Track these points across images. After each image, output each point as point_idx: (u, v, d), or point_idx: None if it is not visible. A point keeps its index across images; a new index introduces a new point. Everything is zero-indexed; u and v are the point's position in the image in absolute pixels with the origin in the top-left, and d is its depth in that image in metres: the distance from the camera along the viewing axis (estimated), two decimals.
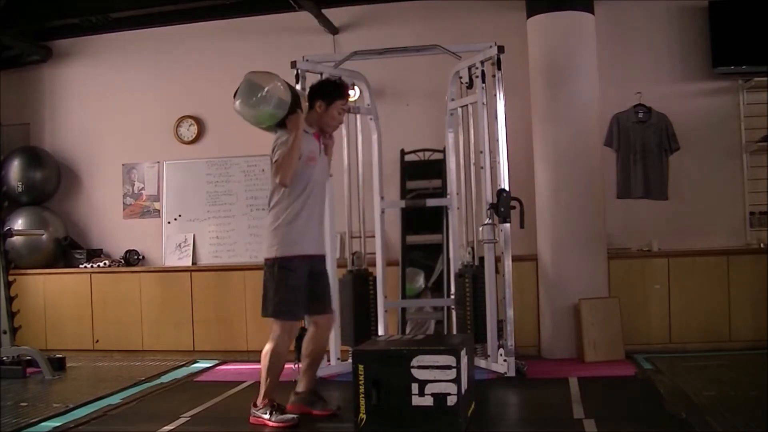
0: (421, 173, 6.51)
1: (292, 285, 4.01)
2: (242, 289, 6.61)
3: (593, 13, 5.96)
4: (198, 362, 6.25)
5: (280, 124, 4.06)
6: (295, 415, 4.04)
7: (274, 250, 4.03)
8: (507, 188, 5.13)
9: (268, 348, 4.06)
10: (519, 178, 5.68)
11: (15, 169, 7.17)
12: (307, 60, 5.43)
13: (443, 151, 6.10)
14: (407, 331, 6.14)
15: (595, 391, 4.63)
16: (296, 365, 5.10)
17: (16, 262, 6.64)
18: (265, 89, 3.97)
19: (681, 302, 5.98)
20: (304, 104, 4.18)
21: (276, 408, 4.04)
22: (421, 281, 6.23)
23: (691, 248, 6.12)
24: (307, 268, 4.07)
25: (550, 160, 5.92)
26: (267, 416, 4.01)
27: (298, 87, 4.99)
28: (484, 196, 5.29)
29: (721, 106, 6.33)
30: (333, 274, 5.42)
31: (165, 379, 5.55)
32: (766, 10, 5.99)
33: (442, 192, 6.15)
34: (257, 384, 4.74)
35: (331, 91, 4.22)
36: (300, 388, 4.24)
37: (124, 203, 7.36)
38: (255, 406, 4.09)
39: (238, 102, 4.03)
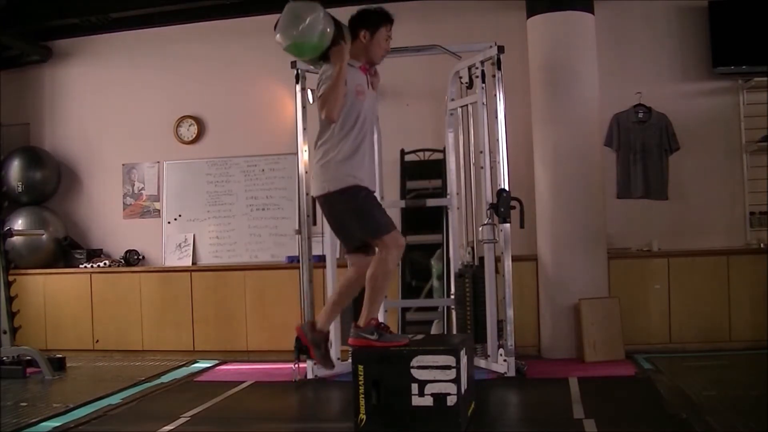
0: (421, 173, 6.51)
1: (370, 202, 3.86)
2: (242, 289, 6.61)
3: (593, 13, 5.96)
4: (198, 362, 6.25)
5: (324, 57, 3.89)
6: (407, 336, 3.95)
7: (330, 184, 3.83)
8: (507, 188, 5.13)
9: (375, 268, 3.83)
10: (519, 178, 5.69)
11: (15, 169, 7.17)
12: None
13: (443, 151, 6.10)
14: (432, 330, 6.10)
15: (595, 391, 4.63)
16: (296, 365, 5.12)
17: (16, 262, 6.63)
18: (307, 19, 3.79)
19: (681, 302, 5.98)
20: (348, 37, 3.98)
21: (383, 329, 3.89)
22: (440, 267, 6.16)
23: (691, 248, 6.12)
24: (370, 194, 3.89)
25: (550, 160, 5.92)
26: (374, 337, 3.83)
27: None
28: (484, 196, 5.29)
29: (721, 106, 6.33)
30: (333, 275, 5.43)
31: (165, 379, 5.55)
32: (766, 10, 5.99)
33: (442, 192, 6.15)
34: (257, 384, 4.75)
35: (375, 17, 4.04)
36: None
37: (124, 203, 7.36)
38: (358, 327, 3.90)
39: (279, 34, 3.86)
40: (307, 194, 5.43)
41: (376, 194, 5.47)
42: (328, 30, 3.83)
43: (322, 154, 3.89)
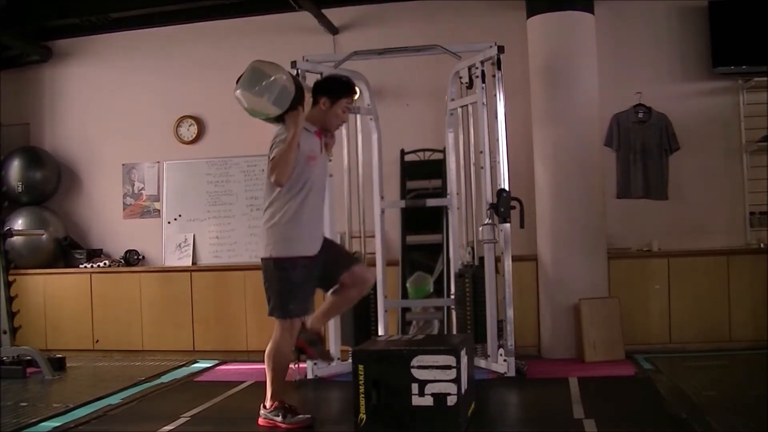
0: (421, 173, 6.51)
1: (288, 284, 3.91)
2: (242, 289, 6.61)
3: (593, 13, 5.96)
4: (198, 362, 6.25)
5: (280, 119, 3.94)
6: (308, 416, 4.00)
7: (270, 249, 3.94)
8: (507, 188, 5.13)
9: (270, 348, 4.00)
10: (519, 178, 5.69)
11: (15, 169, 7.17)
12: (307, 60, 5.44)
13: (443, 151, 6.10)
14: (410, 331, 6.12)
15: (595, 391, 4.63)
16: (296, 365, 5.12)
17: (16, 262, 6.63)
18: (270, 79, 3.84)
19: (681, 302, 5.98)
20: (308, 98, 4.05)
21: (288, 409, 3.98)
22: (430, 286, 6.16)
23: (691, 248, 6.12)
24: (304, 267, 3.95)
25: (550, 160, 5.92)
26: (279, 418, 3.96)
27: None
28: (484, 196, 5.29)
29: (721, 106, 6.33)
30: None
31: (165, 379, 5.55)
32: (766, 10, 5.99)
33: (442, 192, 6.15)
34: (258, 383, 4.75)
35: (337, 88, 4.10)
36: (309, 323, 4.13)
37: (124, 203, 7.36)
38: (264, 407, 4.03)
39: (239, 89, 3.90)
40: None
41: (377, 198, 5.54)
42: (288, 92, 3.87)
43: (269, 216, 3.96)
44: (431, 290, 6.15)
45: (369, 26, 6.81)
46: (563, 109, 5.86)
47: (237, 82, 3.92)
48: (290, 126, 3.88)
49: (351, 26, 6.86)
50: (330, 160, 4.34)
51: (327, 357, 4.30)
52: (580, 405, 4.24)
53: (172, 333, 6.70)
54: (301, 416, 3.99)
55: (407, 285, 6.18)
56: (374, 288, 5.58)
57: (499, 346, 5.19)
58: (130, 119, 7.32)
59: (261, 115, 3.97)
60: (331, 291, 4.16)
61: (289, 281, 3.92)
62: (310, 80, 5.51)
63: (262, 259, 4.01)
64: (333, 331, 5.47)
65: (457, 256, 5.71)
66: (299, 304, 3.97)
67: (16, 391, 5.14)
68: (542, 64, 5.93)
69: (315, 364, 5.29)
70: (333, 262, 4.08)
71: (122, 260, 7.10)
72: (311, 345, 4.13)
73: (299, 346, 4.11)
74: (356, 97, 4.16)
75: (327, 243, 4.16)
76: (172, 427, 4.05)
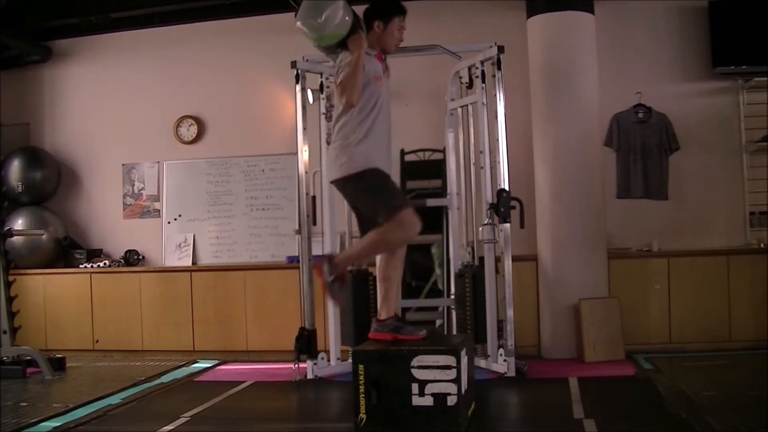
0: (421, 173, 6.50)
1: (380, 184, 3.90)
2: (242, 289, 6.61)
3: (593, 13, 5.96)
4: (198, 362, 6.25)
5: (341, 45, 3.96)
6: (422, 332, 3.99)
7: (345, 167, 3.91)
8: (507, 188, 5.13)
9: (374, 235, 3.90)
10: (519, 178, 5.68)
11: (15, 169, 7.17)
12: (307, 60, 5.44)
13: (443, 151, 6.10)
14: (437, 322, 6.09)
15: (595, 391, 4.63)
16: (296, 365, 5.12)
17: (16, 262, 6.63)
18: (328, 8, 3.86)
19: (681, 302, 5.98)
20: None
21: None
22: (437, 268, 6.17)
23: (691, 248, 6.12)
24: (385, 174, 3.94)
25: (550, 160, 5.92)
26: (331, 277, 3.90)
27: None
28: (484, 196, 5.29)
29: (721, 106, 6.33)
30: None
31: (165, 379, 5.55)
32: (766, 10, 5.99)
33: (442, 192, 6.14)
34: (257, 384, 4.76)
35: (388, 8, 4.12)
36: (382, 315, 4.07)
37: (124, 203, 7.36)
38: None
39: (299, 21, 3.94)
40: (306, 194, 5.43)
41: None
42: (347, 19, 3.91)
43: (342, 137, 3.97)
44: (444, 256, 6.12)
45: None
46: (563, 109, 5.86)
47: (295, 15, 3.96)
48: (354, 49, 3.90)
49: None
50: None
51: (415, 331, 4.05)
52: (580, 405, 4.25)
53: (172, 333, 6.70)
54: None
55: (432, 250, 6.14)
56: (374, 288, 5.59)
57: (499, 346, 5.19)
58: (130, 119, 7.32)
59: (327, 40, 3.99)
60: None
61: (381, 181, 3.91)
62: (310, 80, 5.55)
63: (338, 179, 3.97)
64: (333, 331, 5.47)
65: (457, 256, 5.71)
66: (400, 196, 4.01)
67: (16, 391, 5.14)
68: (542, 64, 5.93)
69: (315, 363, 5.29)
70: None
71: (122, 260, 7.10)
72: (396, 331, 4.02)
73: (388, 339, 4.01)
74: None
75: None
76: (172, 427, 4.05)
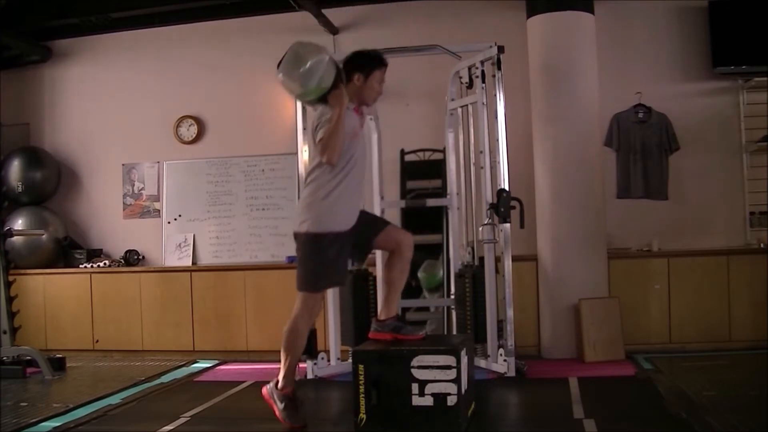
0: (421, 173, 6.51)
1: (322, 260, 3.91)
2: (242, 289, 6.61)
3: (593, 13, 5.96)
4: (198, 362, 6.25)
5: (322, 99, 3.95)
6: (303, 423, 3.97)
7: (306, 224, 3.92)
8: (507, 188, 5.13)
9: (288, 326, 3.98)
10: (519, 178, 5.69)
11: (15, 169, 7.16)
12: None
13: (443, 151, 6.10)
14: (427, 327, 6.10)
15: (595, 391, 4.63)
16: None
17: (16, 262, 6.63)
18: (311, 61, 3.84)
19: (681, 302, 5.98)
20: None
21: (291, 402, 3.96)
22: (440, 273, 6.15)
23: (691, 248, 6.12)
24: (339, 242, 3.93)
25: (550, 160, 5.92)
26: (280, 405, 3.96)
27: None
28: (484, 196, 5.29)
29: (721, 106, 6.33)
30: None
31: (165, 379, 5.55)
32: (766, 10, 5.99)
33: (442, 192, 6.15)
34: (257, 384, 4.76)
35: (368, 61, 4.09)
36: (382, 315, 4.09)
37: (124, 203, 7.36)
38: (276, 385, 4.01)
39: (282, 74, 3.92)
40: None
41: (377, 198, 5.53)
42: (331, 73, 3.89)
43: (310, 191, 3.97)
44: (442, 277, 6.12)
45: (369, 26, 6.81)
46: (563, 109, 5.86)
47: (278, 66, 3.94)
48: (335, 104, 3.88)
49: (351, 26, 6.86)
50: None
51: (414, 331, 4.10)
52: (580, 405, 4.24)
53: (172, 333, 6.70)
54: (298, 417, 3.97)
55: (419, 274, 6.15)
56: (374, 288, 5.60)
57: (499, 346, 5.19)
58: (130, 119, 7.32)
59: (304, 96, 4.00)
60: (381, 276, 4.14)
61: (324, 256, 3.91)
62: None
63: (296, 234, 3.99)
64: (333, 331, 5.47)
65: (457, 256, 5.71)
66: (330, 279, 4.02)
67: (16, 391, 5.14)
68: (542, 64, 5.93)
69: (315, 363, 5.29)
70: (364, 228, 4.06)
71: (122, 260, 7.10)
72: (397, 331, 4.03)
73: (388, 339, 4.03)
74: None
75: (360, 217, 4.13)
76: (172, 427, 4.05)
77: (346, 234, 3.97)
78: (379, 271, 5.62)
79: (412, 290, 6.31)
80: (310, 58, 3.86)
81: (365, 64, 4.08)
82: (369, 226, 4.12)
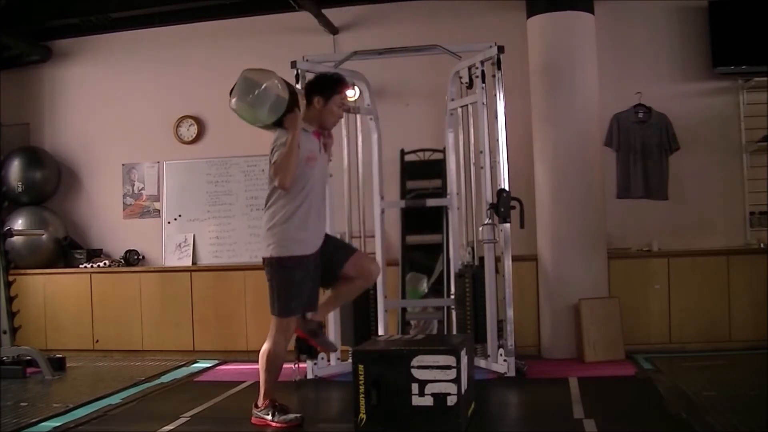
0: (421, 173, 6.51)
1: (289, 283, 3.94)
2: (242, 289, 6.61)
3: (593, 13, 5.96)
4: (198, 362, 6.25)
5: (278, 123, 3.94)
6: (297, 415, 4.02)
7: (270, 249, 3.96)
8: (507, 188, 5.13)
9: (264, 348, 4.03)
10: (519, 178, 5.69)
11: (15, 169, 7.17)
12: (307, 60, 5.44)
13: (443, 151, 6.10)
14: (410, 331, 6.13)
15: (595, 391, 4.63)
16: (296, 365, 5.12)
17: (16, 262, 6.63)
18: (262, 87, 3.86)
19: (681, 302, 5.98)
20: (302, 102, 4.07)
21: (278, 408, 4.01)
22: (424, 285, 6.20)
23: (691, 248, 6.12)
24: (305, 265, 3.97)
25: (550, 160, 5.92)
26: (270, 417, 4.00)
27: (297, 86, 4.93)
28: (484, 196, 5.29)
29: (721, 106, 6.33)
30: None
31: (165, 379, 5.55)
32: (766, 10, 5.99)
33: (442, 192, 6.15)
34: (257, 384, 4.75)
35: (328, 85, 4.09)
36: (312, 316, 4.15)
37: (124, 203, 7.36)
38: (256, 407, 4.07)
39: (234, 100, 3.92)
40: None
41: (377, 198, 5.53)
42: (282, 98, 3.89)
43: (269, 217, 3.99)
44: (426, 290, 6.17)
45: (369, 26, 6.81)
46: (563, 109, 5.86)
47: (230, 93, 3.95)
48: (289, 129, 3.89)
49: (351, 26, 6.86)
50: (330, 160, 4.33)
51: (329, 346, 4.35)
52: (580, 405, 4.24)
53: (172, 333, 6.70)
54: (291, 416, 4.00)
55: (407, 287, 6.19)
56: (374, 288, 5.60)
57: (499, 346, 5.19)
58: (130, 119, 7.32)
59: (259, 122, 4.01)
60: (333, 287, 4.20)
61: (291, 280, 3.94)
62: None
63: (263, 258, 4.03)
64: (333, 331, 5.47)
65: (457, 256, 5.71)
66: (301, 302, 4.01)
67: (16, 391, 5.14)
68: (542, 64, 5.93)
69: (315, 363, 5.29)
70: (332, 253, 4.10)
71: (122, 260, 7.10)
72: (313, 335, 4.16)
73: (301, 337, 4.15)
74: (351, 92, 4.15)
75: (326, 238, 4.16)
76: (172, 427, 4.05)
77: (312, 257, 4.00)
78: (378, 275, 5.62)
79: None
80: (261, 83, 3.88)
81: (325, 87, 4.08)
82: (338, 251, 4.14)
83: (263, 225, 4.04)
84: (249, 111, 3.94)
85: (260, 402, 4.06)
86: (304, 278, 3.97)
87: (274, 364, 4.03)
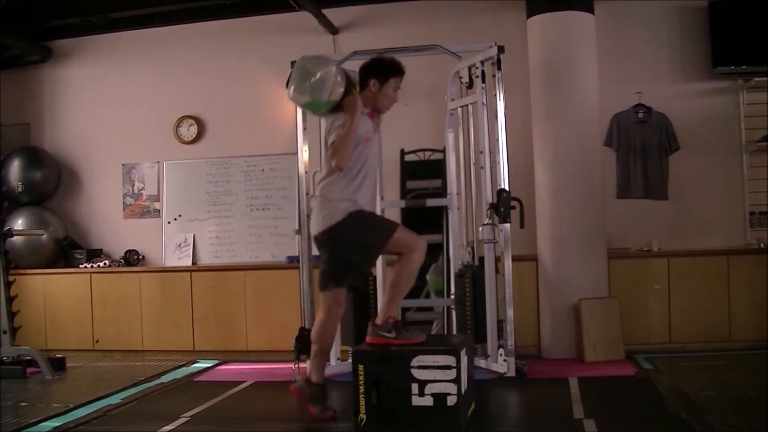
0: (421, 173, 6.51)
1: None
2: (242, 289, 6.61)
3: (593, 13, 5.96)
4: (198, 362, 6.25)
5: (335, 109, 3.98)
6: (331, 414, 4.03)
7: (327, 221, 3.97)
8: (507, 188, 5.13)
9: (400, 268, 4.01)
10: (519, 178, 5.69)
11: (15, 169, 7.17)
12: None
13: (443, 151, 6.10)
14: (433, 330, 6.09)
15: (595, 391, 4.63)
16: (296, 365, 5.11)
17: (16, 262, 6.63)
18: (317, 75, 3.88)
19: (681, 302, 5.98)
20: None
21: (400, 326, 3.96)
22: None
23: (691, 248, 6.12)
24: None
25: (550, 160, 5.92)
26: (391, 335, 3.92)
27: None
28: (484, 196, 5.29)
29: (721, 106, 6.33)
30: None
31: (165, 379, 5.55)
32: (766, 10, 5.99)
33: (442, 192, 6.15)
34: (257, 384, 4.76)
35: (385, 69, 4.12)
36: (379, 320, 4.04)
37: (124, 203, 7.36)
38: (375, 325, 3.99)
39: (291, 89, 3.94)
40: (307, 194, 5.43)
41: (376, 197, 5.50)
42: (339, 84, 3.92)
43: (326, 195, 4.01)
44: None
45: (369, 26, 6.81)
46: (563, 109, 5.86)
47: (287, 84, 3.97)
48: (348, 112, 3.92)
49: (351, 26, 6.86)
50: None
51: (329, 411, 4.13)
52: (580, 405, 4.25)
53: (172, 333, 6.70)
54: (414, 332, 3.99)
55: (427, 277, 6.14)
56: (374, 288, 5.60)
57: (499, 346, 5.19)
58: (130, 119, 7.32)
59: (317, 109, 4.04)
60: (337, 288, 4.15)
61: (367, 217, 3.99)
62: None
63: (316, 236, 4.05)
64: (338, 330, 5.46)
65: (457, 256, 5.71)
66: (353, 274, 4.04)
67: (16, 391, 5.14)
68: (542, 64, 5.93)
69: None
70: (374, 229, 4.09)
71: (122, 260, 7.10)
72: (315, 401, 4.11)
73: (302, 403, 4.15)
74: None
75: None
76: (172, 427, 4.05)
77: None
78: (379, 273, 5.63)
79: (412, 290, 6.30)
80: (317, 71, 3.90)
81: (382, 71, 4.11)
82: (375, 232, 4.11)
83: (318, 201, 4.05)
84: (307, 100, 3.97)
85: (380, 320, 3.99)
86: (354, 250, 3.99)
87: (408, 282, 4.03)
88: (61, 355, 6.07)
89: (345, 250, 4.02)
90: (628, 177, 6.19)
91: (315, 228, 4.07)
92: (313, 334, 4.16)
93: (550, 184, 5.91)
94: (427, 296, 6.22)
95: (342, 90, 3.93)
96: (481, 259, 5.33)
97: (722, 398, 4.24)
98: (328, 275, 4.04)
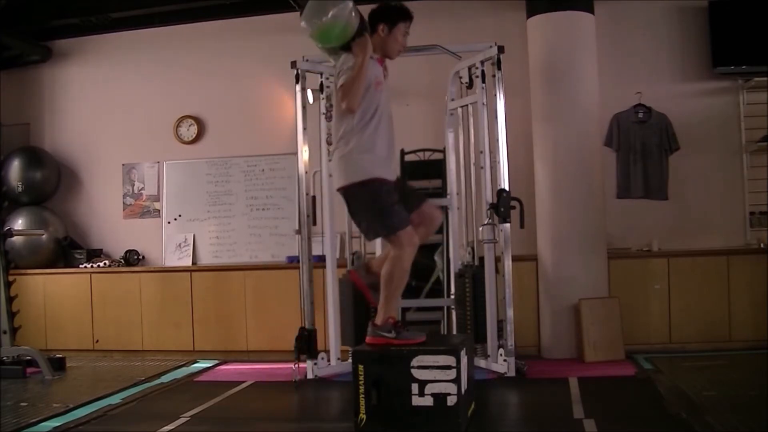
0: (421, 173, 6.49)
1: (380, 202, 3.84)
2: (242, 289, 6.61)
3: (593, 13, 5.96)
4: (198, 362, 6.25)
5: (345, 47, 3.91)
6: (423, 334, 3.93)
7: (351, 175, 3.87)
8: (507, 188, 5.13)
9: (388, 267, 3.86)
10: (519, 178, 5.69)
11: (15, 169, 7.17)
12: (307, 60, 5.44)
13: (443, 151, 6.10)
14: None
15: (595, 391, 4.63)
16: (295, 365, 5.12)
17: (16, 262, 6.63)
18: (334, 9, 3.79)
19: (681, 302, 5.98)
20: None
21: (400, 326, 3.91)
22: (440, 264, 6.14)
23: (691, 248, 6.12)
24: (390, 188, 3.89)
25: (550, 160, 5.92)
26: (392, 335, 3.86)
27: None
28: (484, 196, 5.29)
29: (721, 106, 6.34)
30: (333, 275, 5.44)
31: (165, 379, 5.55)
32: (766, 10, 5.99)
33: (442, 192, 6.14)
34: (257, 384, 4.75)
35: (394, 13, 4.08)
36: (378, 320, 3.93)
37: (124, 203, 7.36)
38: (375, 326, 3.92)
39: (304, 21, 3.86)
40: (306, 194, 5.43)
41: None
42: (354, 20, 3.85)
43: (343, 145, 3.92)
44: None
45: None
46: (563, 109, 5.86)
47: (300, 14, 3.88)
48: (358, 52, 3.86)
49: None
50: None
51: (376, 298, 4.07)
52: (580, 405, 4.25)
53: (172, 333, 6.70)
54: (414, 332, 3.91)
55: (435, 257, 6.09)
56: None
57: (499, 346, 5.19)
58: (130, 119, 7.32)
59: (333, 41, 3.92)
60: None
61: (380, 199, 3.86)
62: (310, 80, 5.55)
63: (342, 188, 3.94)
64: (333, 331, 5.47)
65: (457, 256, 5.71)
66: (399, 216, 3.87)
67: (16, 391, 5.14)
68: (542, 64, 5.93)
69: (315, 363, 5.29)
70: (405, 198, 4.01)
71: (122, 260, 7.10)
72: (373, 290, 4.03)
73: (359, 288, 4.06)
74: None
75: (399, 180, 4.11)
76: (172, 427, 4.05)
77: (393, 185, 3.94)
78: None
79: (412, 290, 6.31)
80: (333, 3, 3.81)
81: (391, 15, 4.06)
82: (411, 196, 4.06)
83: (336, 155, 3.95)
84: (319, 32, 3.86)
85: (379, 320, 3.90)
86: (391, 196, 3.88)
87: (400, 280, 3.88)
88: (61, 355, 6.07)
89: (362, 210, 3.94)
90: (628, 177, 6.19)
91: (337, 182, 3.98)
92: (383, 273, 3.90)
93: (550, 184, 5.91)
94: (436, 280, 6.19)
95: (355, 28, 3.84)
96: (481, 259, 5.34)
97: (722, 398, 4.24)
98: (378, 225, 3.90)
